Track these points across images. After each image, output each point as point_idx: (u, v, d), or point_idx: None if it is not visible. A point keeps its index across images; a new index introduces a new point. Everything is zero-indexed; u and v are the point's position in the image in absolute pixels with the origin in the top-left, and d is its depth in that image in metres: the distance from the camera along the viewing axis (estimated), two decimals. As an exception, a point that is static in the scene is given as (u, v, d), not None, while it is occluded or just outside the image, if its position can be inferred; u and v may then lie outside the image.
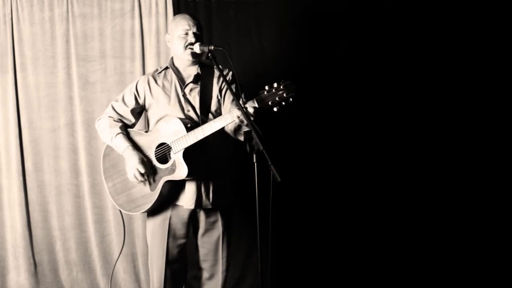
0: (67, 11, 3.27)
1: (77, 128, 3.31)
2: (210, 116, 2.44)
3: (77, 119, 3.30)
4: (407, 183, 3.38)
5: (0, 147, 3.29)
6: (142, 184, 2.45)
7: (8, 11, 3.24)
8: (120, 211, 2.58)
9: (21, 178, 3.29)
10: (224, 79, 2.31)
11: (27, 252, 3.30)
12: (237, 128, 2.38)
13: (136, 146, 2.46)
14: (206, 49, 2.32)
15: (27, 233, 3.30)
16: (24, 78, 3.28)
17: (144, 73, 3.29)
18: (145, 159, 2.42)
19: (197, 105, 2.45)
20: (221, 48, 2.25)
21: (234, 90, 2.41)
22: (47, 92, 3.29)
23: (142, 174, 2.39)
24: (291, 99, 2.13)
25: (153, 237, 2.52)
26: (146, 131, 2.53)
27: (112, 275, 3.02)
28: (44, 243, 3.33)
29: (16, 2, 3.23)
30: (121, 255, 3.27)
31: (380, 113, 3.39)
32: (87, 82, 3.30)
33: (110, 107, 2.56)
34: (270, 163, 1.99)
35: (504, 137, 3.39)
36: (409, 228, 3.38)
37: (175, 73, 2.50)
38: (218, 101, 2.48)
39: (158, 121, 2.46)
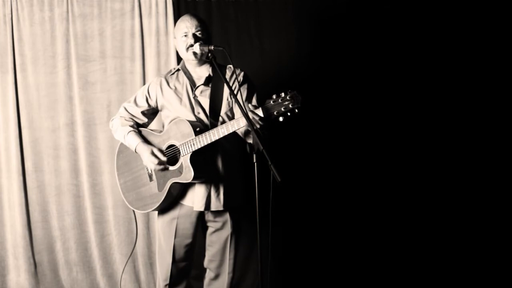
0: (67, 11, 3.27)
1: (77, 128, 3.31)
2: (220, 118, 2.45)
3: (77, 119, 3.30)
4: (407, 184, 3.37)
5: (0, 147, 3.29)
6: (151, 183, 2.47)
7: (8, 11, 3.24)
8: (133, 211, 2.62)
9: (21, 178, 3.29)
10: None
11: (27, 252, 3.30)
12: (248, 131, 2.39)
13: (148, 142, 2.49)
14: (206, 49, 2.33)
15: (27, 233, 3.30)
16: (24, 78, 3.28)
17: (144, 73, 3.29)
18: (155, 150, 2.43)
19: (207, 107, 2.45)
20: (221, 48, 2.26)
21: (245, 91, 2.44)
22: (47, 92, 3.29)
23: (159, 164, 2.40)
24: (297, 110, 2.12)
25: (162, 235, 2.55)
26: (160, 132, 2.54)
27: (121, 276, 3.02)
28: (44, 243, 3.33)
29: (16, 2, 3.23)
30: (121, 255, 3.29)
31: (380, 113, 3.39)
32: (87, 82, 3.30)
33: (122, 108, 2.61)
34: (270, 163, 1.99)
35: (504, 137, 3.39)
36: (409, 228, 3.38)
37: (186, 75, 2.52)
38: (229, 103, 2.48)
39: (170, 122, 2.47)
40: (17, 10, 3.24)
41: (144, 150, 2.44)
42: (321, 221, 3.37)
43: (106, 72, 3.31)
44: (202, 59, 2.48)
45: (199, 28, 2.44)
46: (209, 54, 2.30)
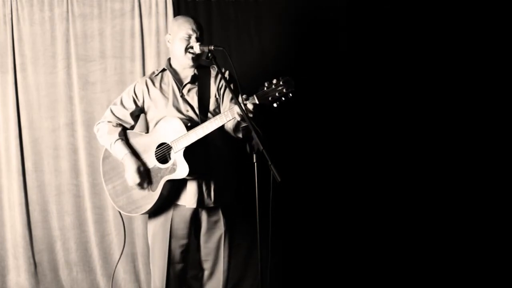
0: (67, 11, 3.27)
1: (77, 128, 3.31)
2: (209, 115, 2.45)
3: (77, 119, 3.30)
4: (407, 183, 3.38)
5: (0, 147, 3.29)
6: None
7: (8, 11, 3.23)
8: (120, 214, 2.59)
9: (21, 178, 3.29)
10: (223, 78, 2.31)
11: (27, 252, 3.30)
12: (236, 126, 2.39)
13: (134, 152, 2.48)
14: (206, 49, 2.33)
15: (27, 233, 3.30)
16: (24, 78, 3.28)
17: (144, 73, 3.29)
18: (142, 168, 2.43)
19: (195, 105, 2.46)
20: (221, 48, 2.26)
21: (232, 88, 2.42)
22: (47, 92, 3.29)
23: (139, 184, 2.43)
24: (290, 95, 2.13)
25: (155, 238, 2.52)
26: (146, 132, 2.53)
27: (113, 276, 3.02)
28: (44, 243, 3.33)
29: (16, 2, 3.23)
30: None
31: (380, 112, 3.39)
32: (87, 82, 3.30)
33: (108, 111, 2.56)
34: (270, 163, 1.99)
35: (504, 137, 3.39)
36: (408, 227, 3.38)
37: (172, 74, 2.51)
38: (217, 100, 2.50)
39: (157, 122, 2.46)
40: (17, 10, 3.24)
41: (131, 164, 2.42)
42: (321, 221, 3.37)
43: (106, 72, 3.31)
44: (197, 62, 2.48)
45: (201, 33, 2.46)
46: (209, 54, 2.30)
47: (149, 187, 2.44)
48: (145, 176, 2.43)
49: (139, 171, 2.41)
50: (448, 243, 3.39)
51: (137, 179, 2.40)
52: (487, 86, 3.39)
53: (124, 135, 2.52)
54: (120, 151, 2.47)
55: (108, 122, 2.54)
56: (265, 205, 2.10)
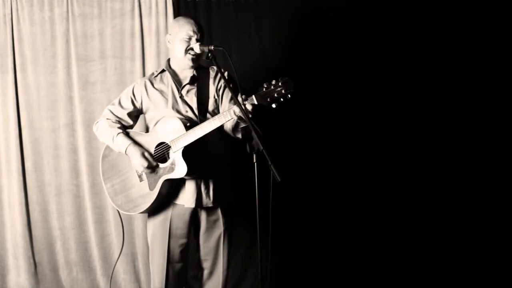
0: (67, 11, 3.27)
1: (77, 128, 3.31)
2: (208, 116, 2.46)
3: (77, 119, 3.30)
4: (407, 183, 3.38)
5: (0, 147, 3.29)
6: (141, 183, 2.46)
7: (8, 11, 3.24)
8: (119, 212, 2.59)
9: (21, 178, 3.29)
10: (223, 77, 2.32)
11: (27, 252, 3.30)
12: (235, 126, 2.40)
13: (137, 144, 2.48)
14: (206, 49, 2.33)
15: (27, 233, 3.30)
16: (24, 78, 3.28)
17: (144, 73, 3.29)
18: (146, 153, 2.43)
19: (194, 105, 2.47)
20: (221, 48, 2.26)
21: (232, 88, 2.42)
22: (47, 92, 3.29)
23: (148, 167, 2.41)
24: (289, 96, 2.14)
25: (154, 237, 2.53)
26: (146, 132, 2.54)
27: (112, 275, 3.02)
28: (44, 243, 3.33)
29: (16, 2, 3.23)
30: (121, 255, 3.28)
31: (379, 112, 3.39)
32: (87, 82, 3.30)
33: (106, 111, 2.58)
34: (270, 163, 1.99)
35: (504, 137, 3.39)
36: (408, 227, 3.38)
37: (171, 75, 2.52)
38: (215, 101, 2.50)
39: (157, 122, 2.47)
40: (17, 10, 3.24)
41: (134, 152, 2.43)
42: (321, 221, 3.37)
43: (106, 72, 3.31)
44: (197, 63, 2.49)
45: (201, 34, 2.46)
46: (209, 54, 2.30)
47: (155, 172, 2.43)
48: (152, 160, 2.42)
49: (144, 156, 2.41)
50: (448, 243, 3.39)
51: (144, 163, 2.40)
52: (487, 86, 3.39)
53: (124, 131, 2.54)
54: (123, 143, 2.47)
55: (107, 119, 2.55)
56: (265, 205, 2.10)
